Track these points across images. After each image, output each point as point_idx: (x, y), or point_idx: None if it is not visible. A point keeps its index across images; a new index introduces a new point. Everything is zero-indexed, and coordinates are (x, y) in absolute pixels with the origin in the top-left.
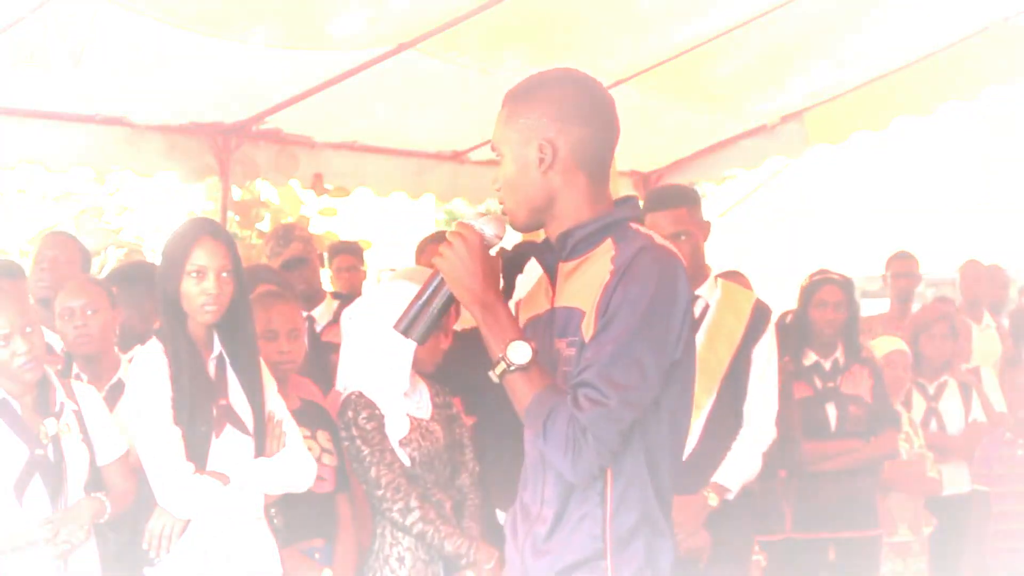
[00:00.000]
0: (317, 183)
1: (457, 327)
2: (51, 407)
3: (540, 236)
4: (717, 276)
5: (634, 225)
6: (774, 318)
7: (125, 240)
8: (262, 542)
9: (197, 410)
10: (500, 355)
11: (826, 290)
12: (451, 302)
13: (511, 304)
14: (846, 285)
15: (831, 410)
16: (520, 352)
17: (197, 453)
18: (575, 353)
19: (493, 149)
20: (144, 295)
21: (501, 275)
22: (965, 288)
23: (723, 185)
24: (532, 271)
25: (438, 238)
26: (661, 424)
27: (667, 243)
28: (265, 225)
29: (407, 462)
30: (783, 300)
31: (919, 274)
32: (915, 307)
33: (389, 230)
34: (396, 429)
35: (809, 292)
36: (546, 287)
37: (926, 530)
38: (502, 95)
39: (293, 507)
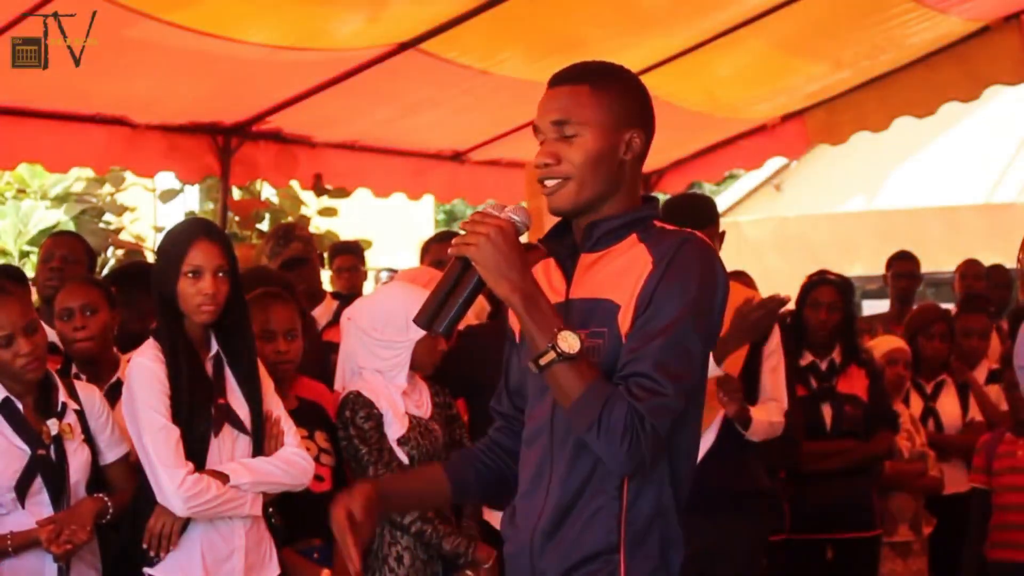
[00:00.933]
0: (317, 183)
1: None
2: (53, 407)
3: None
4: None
5: (658, 223)
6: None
7: (125, 240)
8: (260, 542)
9: (195, 410)
10: (549, 345)
11: (821, 291)
12: (479, 292)
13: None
14: (842, 286)
15: (826, 410)
16: (570, 341)
17: (196, 452)
18: (600, 345)
19: (556, 121)
20: (143, 296)
21: None
22: (966, 287)
23: (723, 185)
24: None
25: (442, 238)
26: (682, 416)
27: (702, 235)
28: (265, 225)
29: (405, 461)
30: None
31: (920, 274)
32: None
33: (389, 230)
34: (394, 428)
35: (805, 293)
36: (554, 278)
37: (926, 530)
38: (501, 96)
39: (291, 507)
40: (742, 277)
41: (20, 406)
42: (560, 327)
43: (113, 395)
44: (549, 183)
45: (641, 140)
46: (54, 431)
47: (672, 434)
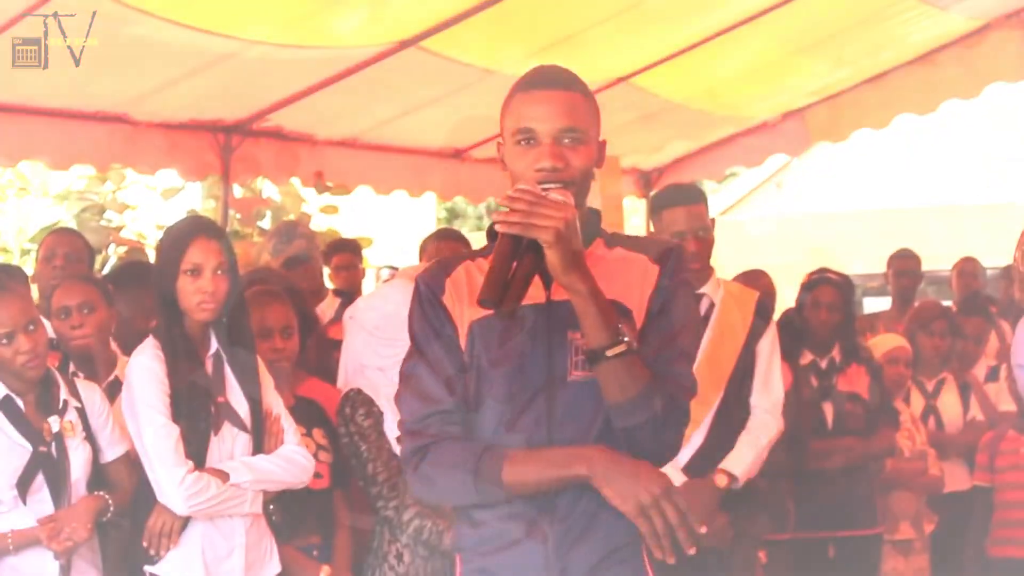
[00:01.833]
0: (318, 181)
1: None
2: (54, 405)
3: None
4: (739, 275)
5: (608, 229)
6: (776, 316)
7: (126, 238)
8: (260, 539)
9: (195, 408)
10: (621, 337)
11: (821, 290)
12: (536, 272)
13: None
14: (843, 285)
15: (827, 409)
16: (629, 337)
17: (196, 450)
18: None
19: (566, 128)
20: (142, 294)
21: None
22: (964, 286)
23: (724, 183)
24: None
25: (442, 236)
26: None
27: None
28: (266, 223)
29: None
30: (783, 299)
31: (921, 272)
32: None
33: (390, 228)
34: (394, 426)
35: (805, 292)
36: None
37: (928, 528)
38: (502, 94)
39: (291, 504)
40: (762, 278)
41: (21, 403)
42: (619, 321)
43: (111, 393)
44: (550, 187)
45: (604, 150)
46: (55, 428)
47: None
